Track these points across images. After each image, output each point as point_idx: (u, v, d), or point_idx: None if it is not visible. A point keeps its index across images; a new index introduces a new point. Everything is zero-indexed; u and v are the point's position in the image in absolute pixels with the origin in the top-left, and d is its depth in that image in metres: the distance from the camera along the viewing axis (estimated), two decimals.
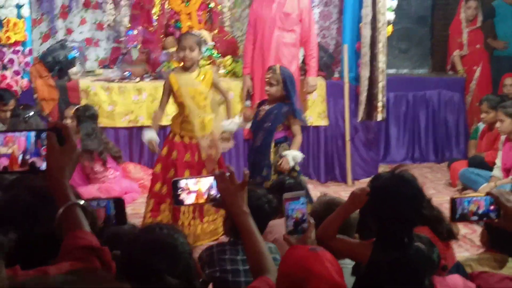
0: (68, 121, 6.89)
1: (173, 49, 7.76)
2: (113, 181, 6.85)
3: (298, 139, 5.64)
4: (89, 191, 6.36)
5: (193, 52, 5.50)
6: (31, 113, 6.70)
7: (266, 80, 5.64)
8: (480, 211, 2.52)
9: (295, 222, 2.46)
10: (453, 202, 2.53)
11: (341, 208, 2.78)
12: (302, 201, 2.47)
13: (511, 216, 2.45)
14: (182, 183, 2.37)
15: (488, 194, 2.52)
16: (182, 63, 5.64)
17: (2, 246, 1.56)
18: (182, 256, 2.18)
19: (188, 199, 2.38)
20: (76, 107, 6.95)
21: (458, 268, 3.38)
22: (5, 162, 1.91)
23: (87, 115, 6.78)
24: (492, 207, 2.51)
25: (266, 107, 5.64)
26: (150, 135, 5.62)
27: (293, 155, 5.49)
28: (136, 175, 7.20)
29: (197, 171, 5.51)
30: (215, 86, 5.64)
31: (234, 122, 5.66)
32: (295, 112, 5.56)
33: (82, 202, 1.92)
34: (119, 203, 2.25)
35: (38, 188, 2.05)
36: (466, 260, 3.47)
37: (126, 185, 6.96)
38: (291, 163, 5.45)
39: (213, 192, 2.38)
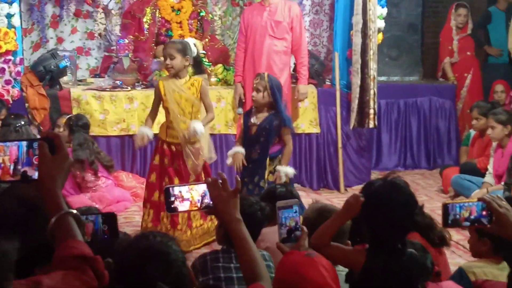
0: (60, 130, 6.88)
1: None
2: (105, 190, 6.83)
3: (289, 148, 5.70)
4: (81, 200, 6.34)
5: (174, 60, 5.51)
6: (22, 122, 6.67)
7: (254, 86, 5.69)
8: (472, 217, 2.52)
9: (288, 230, 2.46)
10: (445, 207, 2.53)
11: (335, 216, 2.78)
12: (295, 209, 2.47)
13: (503, 221, 2.45)
14: (176, 190, 2.36)
15: (480, 199, 2.52)
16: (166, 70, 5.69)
17: (7, 254, 1.55)
18: (175, 263, 2.17)
19: (181, 206, 2.37)
20: (68, 117, 6.94)
21: (461, 275, 3.37)
22: None
23: (80, 124, 6.78)
24: (484, 213, 2.51)
25: (256, 120, 5.66)
26: (146, 130, 5.61)
27: (285, 171, 5.56)
28: (128, 184, 7.18)
29: (185, 179, 5.53)
30: (202, 96, 5.61)
31: (205, 131, 5.62)
32: (285, 122, 5.62)
33: (74, 211, 1.91)
34: (111, 217, 2.23)
35: (28, 198, 2.05)
36: (470, 267, 3.45)
37: (118, 194, 6.94)
38: (283, 179, 5.51)
39: (206, 199, 2.38)
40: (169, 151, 5.64)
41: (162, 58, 7.68)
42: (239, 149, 5.68)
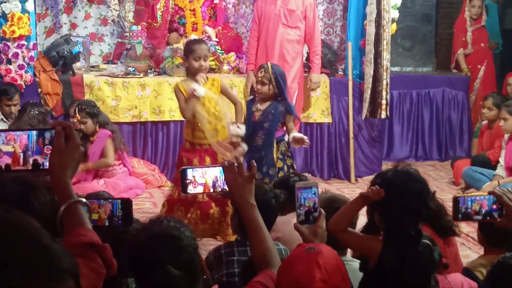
0: (74, 120, 6.85)
1: (177, 45, 7.77)
2: (120, 177, 6.84)
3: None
4: (94, 186, 6.35)
5: (207, 61, 5.48)
6: (36, 110, 6.68)
7: (258, 79, 5.68)
8: (483, 210, 2.52)
9: (306, 211, 2.46)
10: (456, 201, 2.53)
11: (352, 202, 2.80)
12: (314, 191, 2.46)
13: None
14: (189, 174, 2.38)
15: (491, 193, 2.52)
16: (197, 72, 5.45)
17: None
18: (186, 249, 2.18)
19: (195, 189, 2.40)
20: (80, 107, 6.74)
21: (469, 275, 3.34)
22: (7, 160, 1.91)
23: (95, 106, 6.78)
24: (494, 206, 2.51)
25: (260, 106, 5.66)
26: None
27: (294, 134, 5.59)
28: (139, 170, 7.19)
29: None
30: (224, 92, 5.57)
31: (242, 127, 5.56)
32: (291, 109, 5.65)
33: (84, 200, 1.92)
34: (127, 203, 2.23)
35: (24, 178, 2.05)
36: (476, 267, 3.42)
37: (132, 183, 6.93)
38: (299, 135, 5.55)
39: (220, 183, 2.39)
40: (192, 149, 5.56)
41: (175, 45, 7.76)
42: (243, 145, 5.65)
